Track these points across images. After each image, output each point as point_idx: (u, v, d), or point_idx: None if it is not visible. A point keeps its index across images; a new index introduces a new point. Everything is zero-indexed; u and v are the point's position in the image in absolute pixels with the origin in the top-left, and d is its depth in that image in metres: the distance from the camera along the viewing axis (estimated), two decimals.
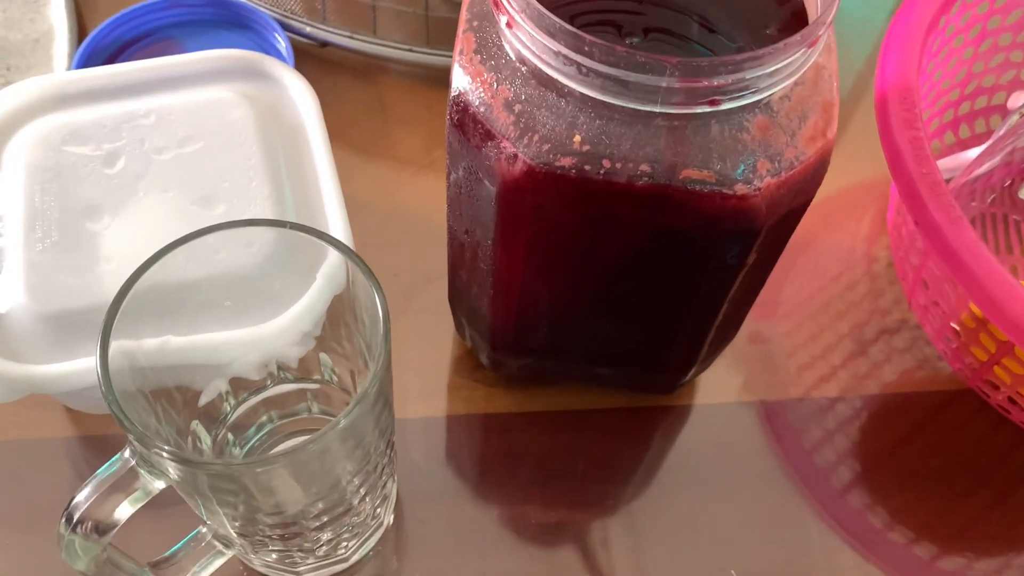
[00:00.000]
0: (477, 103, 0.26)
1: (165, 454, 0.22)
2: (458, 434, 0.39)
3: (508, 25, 0.25)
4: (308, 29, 0.47)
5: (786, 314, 0.43)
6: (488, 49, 0.26)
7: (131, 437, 0.23)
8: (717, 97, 0.24)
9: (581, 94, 0.24)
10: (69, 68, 0.45)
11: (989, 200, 0.42)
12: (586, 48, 0.23)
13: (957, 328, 0.37)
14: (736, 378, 0.40)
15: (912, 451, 0.39)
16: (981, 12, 0.41)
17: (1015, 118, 0.44)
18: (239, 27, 0.47)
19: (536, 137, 0.25)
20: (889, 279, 0.44)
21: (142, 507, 0.25)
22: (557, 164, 0.25)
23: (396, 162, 0.46)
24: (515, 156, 0.25)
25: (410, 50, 0.46)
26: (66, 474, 0.37)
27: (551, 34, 0.23)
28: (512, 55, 0.25)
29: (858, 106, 0.51)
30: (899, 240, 0.40)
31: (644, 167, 0.25)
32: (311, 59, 0.48)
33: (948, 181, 0.44)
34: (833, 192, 0.47)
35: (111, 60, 0.46)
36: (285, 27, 0.47)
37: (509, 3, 0.24)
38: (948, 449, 0.39)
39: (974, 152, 0.44)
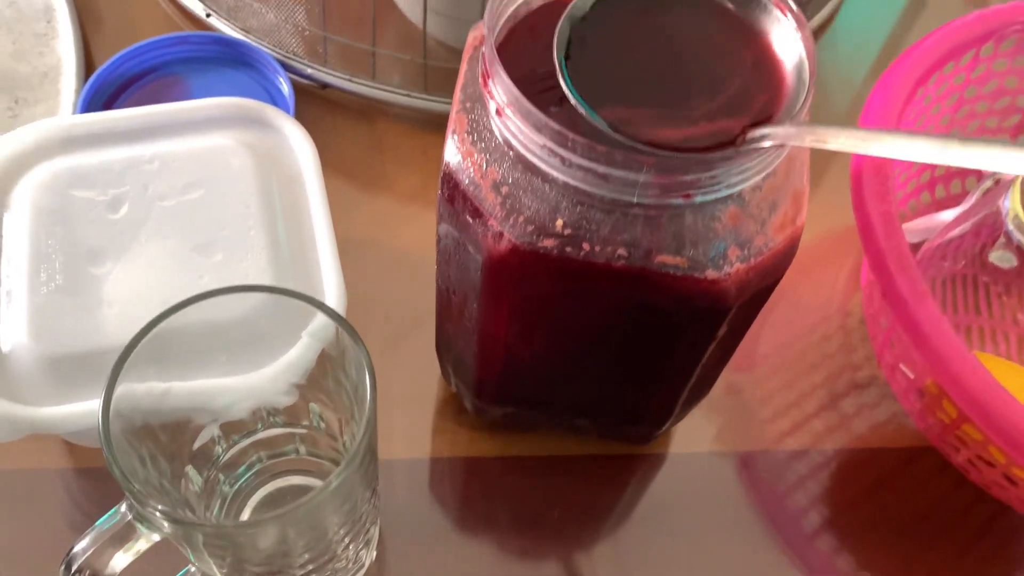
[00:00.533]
0: (467, 182, 0.28)
1: (159, 514, 0.23)
2: (441, 476, 0.40)
3: (497, 113, 0.26)
4: (309, 71, 0.48)
5: (761, 363, 0.45)
6: (479, 131, 0.28)
7: (129, 497, 0.24)
8: (690, 192, 0.25)
9: (564, 182, 0.26)
10: (76, 101, 0.46)
11: (961, 263, 0.44)
12: (569, 143, 0.24)
13: (922, 395, 0.38)
14: (710, 428, 0.42)
15: (878, 504, 0.41)
16: (958, 83, 0.43)
17: (988, 183, 0.45)
18: (243, 65, 0.49)
19: (521, 218, 0.27)
20: (862, 335, 0.45)
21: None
22: (540, 244, 0.27)
23: (392, 202, 0.47)
24: (501, 234, 0.27)
25: (408, 95, 0.48)
26: (63, 505, 0.38)
27: (537, 128, 0.25)
28: (501, 140, 0.27)
29: (841, 157, 0.52)
30: (871, 300, 0.42)
31: (621, 251, 0.26)
32: (312, 99, 0.50)
33: (923, 243, 0.46)
34: (814, 241, 0.49)
35: (118, 94, 0.47)
36: (287, 68, 0.48)
37: (498, 95, 0.26)
38: (912, 503, 0.41)
39: (949, 214, 0.45)
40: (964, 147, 0.21)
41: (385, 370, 0.41)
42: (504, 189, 0.27)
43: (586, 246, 0.26)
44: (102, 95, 0.47)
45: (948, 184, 0.48)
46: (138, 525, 0.25)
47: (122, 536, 0.25)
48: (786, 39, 0.27)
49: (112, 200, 0.36)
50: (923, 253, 0.45)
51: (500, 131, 0.27)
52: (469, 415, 0.41)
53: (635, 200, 0.25)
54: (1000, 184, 0.42)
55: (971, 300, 0.45)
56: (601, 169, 0.25)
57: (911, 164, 0.45)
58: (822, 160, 0.52)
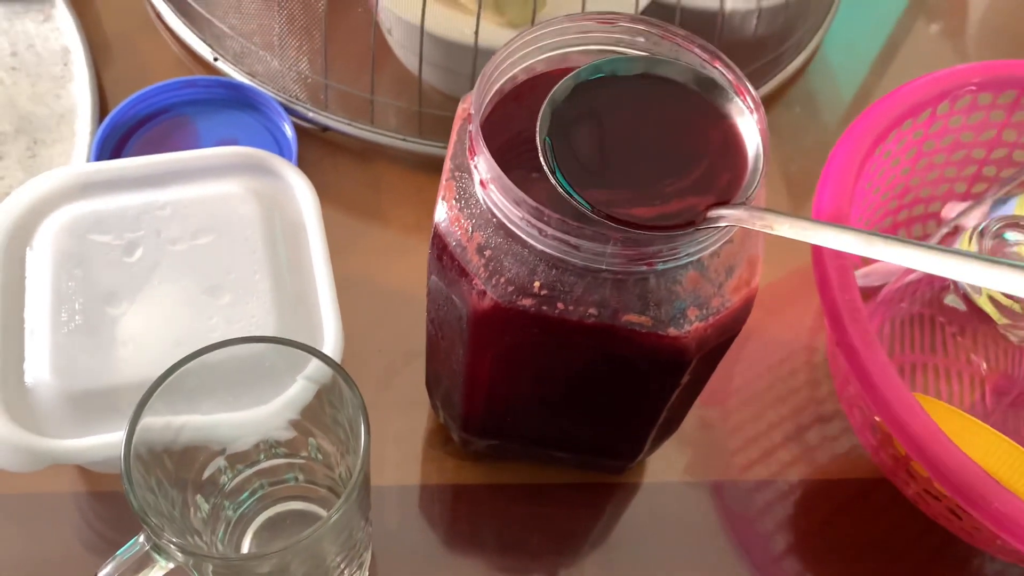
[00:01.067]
0: (454, 244, 0.31)
1: (173, 546, 0.26)
2: (430, 501, 0.43)
3: (482, 185, 0.29)
4: (311, 114, 0.51)
5: (731, 396, 0.48)
6: (466, 198, 0.31)
7: (146, 529, 0.27)
8: (653, 260, 0.28)
9: (541, 250, 0.29)
10: (91, 143, 0.49)
11: (918, 304, 0.47)
12: (545, 218, 0.27)
13: (875, 427, 0.41)
14: (681, 459, 0.45)
15: (838, 531, 0.44)
16: (916, 138, 0.46)
17: (944, 231, 0.48)
18: (249, 108, 0.52)
19: (503, 279, 0.30)
20: (826, 371, 0.48)
21: None
22: (519, 303, 0.30)
23: (388, 238, 0.50)
24: (484, 293, 0.30)
25: (404, 139, 0.51)
26: (77, 528, 0.41)
27: (516, 203, 0.28)
28: (485, 208, 0.30)
29: (810, 193, 0.56)
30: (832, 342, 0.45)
31: (592, 310, 0.29)
32: (314, 141, 0.53)
33: (883, 286, 0.49)
34: (781, 278, 0.52)
35: (129, 135, 0.50)
36: (290, 111, 0.51)
37: (482, 170, 0.29)
38: (869, 531, 0.44)
39: None
40: (885, 244, 0.24)
41: (378, 401, 0.44)
42: (487, 252, 0.30)
43: (560, 305, 0.29)
44: (115, 136, 0.49)
45: (910, 228, 0.51)
46: (155, 555, 0.28)
47: (140, 565, 0.28)
48: (747, 124, 0.30)
49: (128, 244, 0.39)
50: (884, 295, 0.48)
51: (484, 200, 0.30)
52: (456, 445, 0.44)
53: (604, 267, 0.28)
54: (951, 233, 0.45)
55: (927, 340, 0.48)
56: (573, 240, 0.28)
57: (874, 210, 0.48)
58: (794, 201, 0.56)
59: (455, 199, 0.31)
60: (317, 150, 0.52)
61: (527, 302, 0.29)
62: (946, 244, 0.47)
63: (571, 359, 0.32)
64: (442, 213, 0.31)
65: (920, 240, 0.52)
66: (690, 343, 0.30)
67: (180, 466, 0.34)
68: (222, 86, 0.52)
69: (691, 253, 0.28)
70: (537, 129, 0.29)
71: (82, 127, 0.49)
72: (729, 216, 0.27)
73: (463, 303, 0.31)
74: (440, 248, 0.31)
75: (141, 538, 0.28)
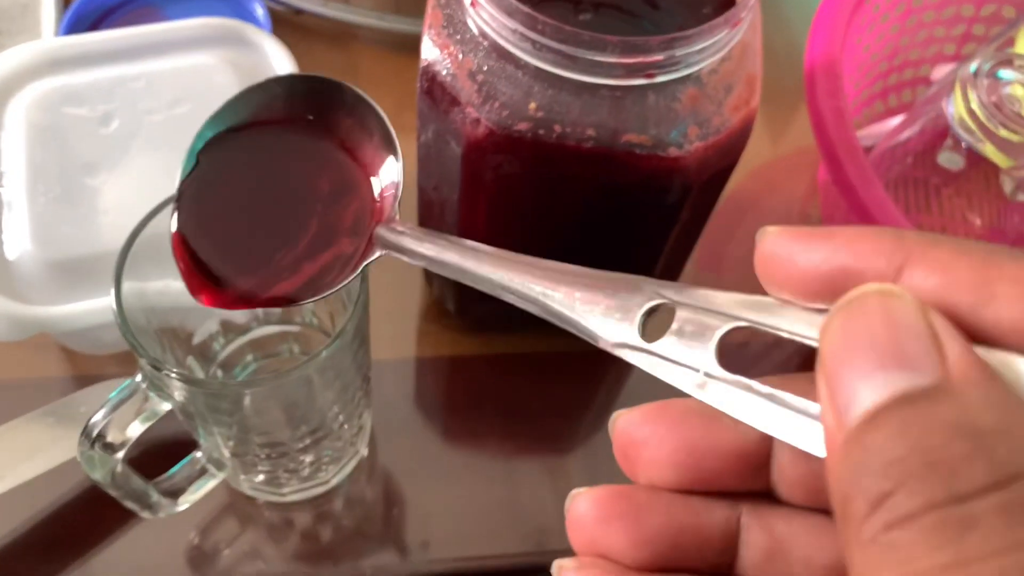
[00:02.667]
0: (444, 73, 0.30)
1: (173, 375, 0.26)
2: (426, 375, 0.42)
3: (472, 4, 0.28)
4: None
5: (728, 267, 0.47)
6: (454, 24, 0.30)
7: (143, 362, 0.26)
8: (652, 71, 0.27)
9: (536, 67, 0.28)
10: (56, 32, 0.47)
11: (909, 164, 0.47)
12: (539, 27, 0.26)
13: None
14: None
15: None
16: None
17: (933, 89, 0.48)
18: None
19: (497, 104, 0.29)
20: None
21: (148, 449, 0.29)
22: (515, 128, 0.29)
23: None
24: (478, 120, 0.29)
25: (381, 18, 0.49)
26: None
27: (509, 14, 0.27)
28: (475, 30, 0.29)
29: (799, 80, 0.55)
30: (827, 200, 0.44)
31: (590, 131, 0.28)
32: (287, 25, 0.51)
33: (873, 147, 0.48)
34: (775, 157, 0.51)
35: (95, 25, 0.48)
36: None
37: None
38: None
39: (898, 119, 0.48)
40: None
41: (370, 282, 0.43)
42: (479, 77, 0.29)
43: (557, 128, 0.28)
44: (82, 26, 0.48)
45: (900, 93, 0.51)
46: (150, 394, 0.27)
47: (135, 405, 0.27)
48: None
49: (103, 116, 0.38)
50: (874, 156, 0.48)
51: (474, 21, 0.28)
52: (452, 319, 0.43)
53: (602, 81, 0.27)
54: (942, 88, 0.45)
55: (922, 200, 0.48)
56: (569, 51, 0.27)
57: (863, 72, 0.47)
58: (784, 84, 0.55)
59: (442, 26, 0.30)
60: (291, 35, 0.50)
61: (523, 126, 0.29)
62: (933, 101, 0.46)
63: (569, 196, 0.32)
64: (428, 44, 0.30)
65: (907, 105, 0.51)
66: (691, 164, 0.29)
67: (173, 334, 0.33)
68: None
69: (691, 63, 0.28)
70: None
71: (47, 16, 0.47)
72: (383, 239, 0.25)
73: (456, 138, 0.30)
74: (429, 80, 0.30)
75: (137, 378, 0.27)
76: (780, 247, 0.18)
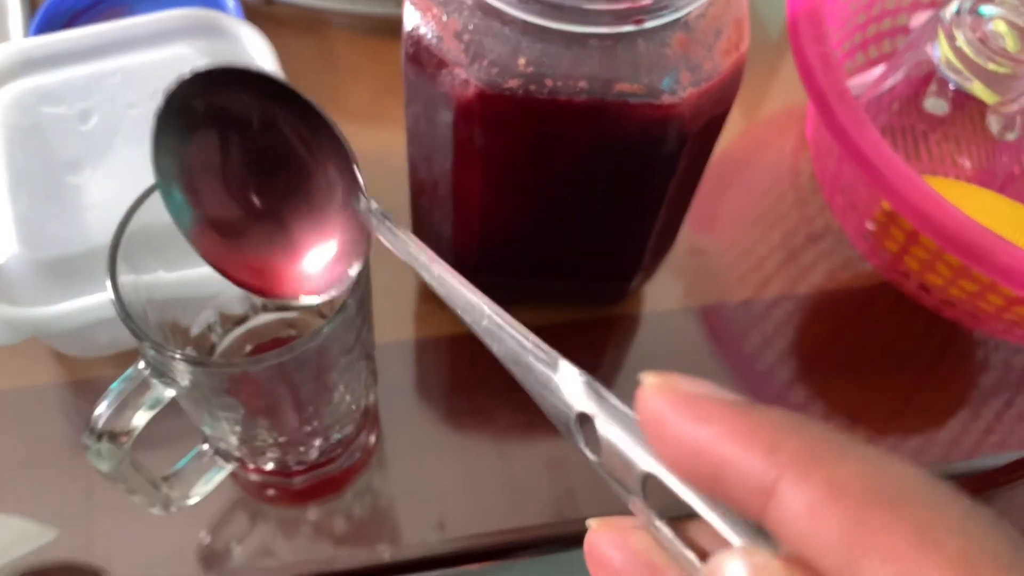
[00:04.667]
0: (429, 36, 0.29)
1: (178, 356, 0.25)
2: (428, 355, 0.42)
3: None
4: None
5: (722, 228, 0.47)
6: None
7: (145, 346, 0.25)
8: (640, 16, 0.27)
9: (523, 21, 0.27)
10: (26, 36, 0.46)
11: (895, 111, 0.47)
12: None
13: (871, 227, 0.41)
14: (678, 286, 0.44)
15: (841, 344, 0.44)
16: None
17: (914, 35, 0.48)
18: None
19: (485, 62, 0.28)
20: (812, 189, 0.48)
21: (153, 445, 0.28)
22: (505, 86, 0.28)
23: (348, 112, 0.48)
24: (467, 81, 0.29)
25: (354, 2, 0.49)
26: (57, 420, 0.39)
27: None
28: None
29: (785, 40, 0.55)
30: (818, 151, 0.44)
31: (582, 83, 0.28)
32: (258, 17, 0.50)
33: (858, 97, 0.48)
34: (763, 117, 0.51)
35: (66, 28, 0.47)
36: None
37: None
38: (873, 339, 0.44)
39: (881, 69, 0.48)
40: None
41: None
42: (466, 37, 0.28)
43: (549, 82, 0.28)
44: (51, 28, 0.47)
45: (880, 44, 0.50)
46: (154, 381, 0.27)
47: (139, 393, 0.27)
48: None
49: (81, 113, 0.37)
50: (858, 103, 0.48)
51: None
52: None
53: (591, 30, 0.27)
54: (924, 31, 0.44)
55: (910, 148, 0.47)
56: (557, 0, 0.26)
57: (843, 23, 0.47)
58: (770, 45, 0.55)
59: None
60: (263, 26, 0.49)
61: (513, 83, 0.28)
62: (915, 45, 0.46)
63: (564, 154, 0.31)
64: (410, 11, 0.30)
65: (887, 55, 0.51)
66: (685, 112, 0.29)
67: (171, 327, 0.32)
68: None
69: (679, 6, 0.27)
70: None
71: (14, 21, 0.46)
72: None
73: (446, 102, 0.30)
74: (414, 45, 0.30)
75: (140, 365, 0.27)
76: (660, 408, 0.16)
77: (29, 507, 0.37)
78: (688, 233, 0.44)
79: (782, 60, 0.53)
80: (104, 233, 0.34)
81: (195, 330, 0.34)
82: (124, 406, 0.27)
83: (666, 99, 0.28)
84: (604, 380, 0.42)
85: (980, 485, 0.40)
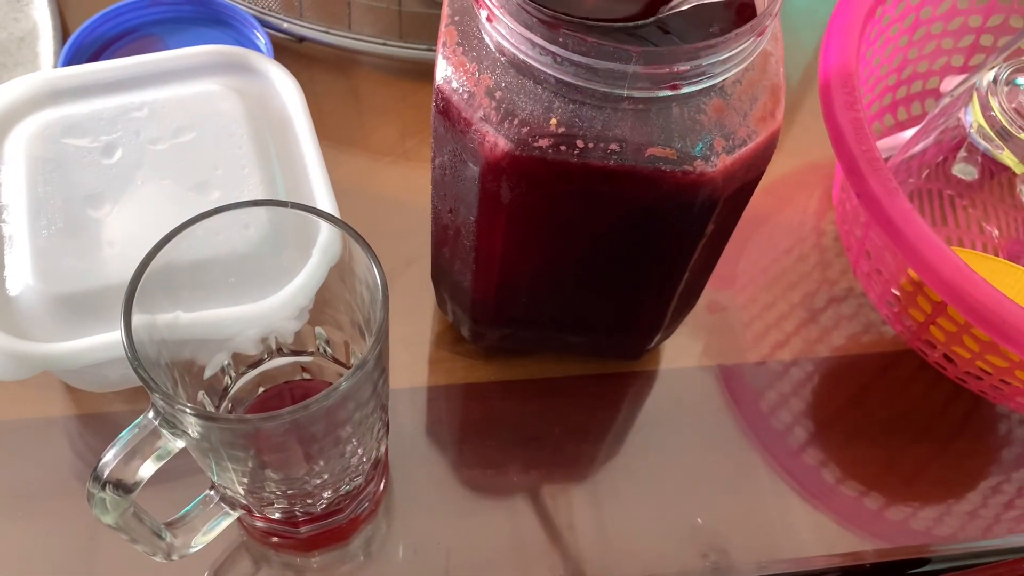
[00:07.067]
0: (460, 91, 0.29)
1: (188, 410, 0.24)
2: (441, 403, 0.41)
3: (488, 19, 0.27)
4: (285, 25, 0.49)
5: (742, 285, 0.46)
6: (469, 41, 0.29)
7: (156, 397, 0.25)
8: (677, 82, 0.26)
9: (556, 80, 0.27)
10: (55, 65, 0.46)
11: (924, 176, 0.46)
12: (560, 39, 0.26)
13: (897, 293, 0.40)
14: (697, 344, 0.43)
15: (860, 409, 0.43)
16: (914, 3, 0.45)
17: (945, 100, 0.47)
18: (219, 24, 0.49)
19: (516, 121, 0.28)
20: (836, 251, 0.47)
21: (157, 483, 0.27)
22: (535, 145, 0.28)
23: (372, 152, 0.48)
24: (497, 139, 0.28)
25: (384, 44, 0.49)
26: (65, 453, 0.38)
27: (528, 27, 0.26)
28: (492, 46, 0.28)
29: (808, 93, 0.54)
30: (844, 214, 0.44)
31: (614, 146, 0.28)
32: (289, 54, 0.50)
33: (887, 160, 0.47)
34: (785, 172, 0.51)
35: (95, 57, 0.48)
36: (263, 23, 0.49)
37: (489, 1, 0.27)
38: (893, 406, 0.43)
39: (911, 133, 0.47)
40: None
41: None
42: (498, 94, 0.28)
43: (580, 144, 0.28)
44: (80, 58, 0.47)
45: (909, 106, 0.50)
46: (163, 431, 0.26)
47: (148, 443, 0.26)
48: None
49: (105, 147, 0.37)
50: (888, 169, 0.47)
51: (492, 37, 0.28)
52: (465, 345, 0.42)
53: (625, 93, 0.26)
54: (957, 98, 0.44)
55: (937, 212, 0.47)
56: (592, 63, 0.26)
57: (873, 85, 0.47)
58: (793, 98, 0.54)
59: (457, 43, 0.29)
60: (294, 63, 0.50)
61: (544, 143, 0.28)
62: (947, 112, 0.45)
63: (591, 215, 0.31)
64: (443, 63, 0.29)
65: (922, 119, 0.51)
66: (717, 178, 0.28)
67: (184, 367, 0.32)
68: (190, 2, 0.49)
69: (716, 73, 0.27)
70: None
71: (44, 49, 0.47)
72: None
73: (474, 158, 0.29)
74: (444, 100, 0.29)
75: (149, 414, 0.26)
76: None
77: (31, 540, 0.36)
78: (707, 289, 0.44)
79: (805, 113, 0.53)
80: (120, 270, 0.34)
81: (209, 371, 0.34)
82: (132, 455, 0.26)
83: (698, 165, 0.28)
84: (619, 435, 0.41)
85: (1003, 570, 0.39)
